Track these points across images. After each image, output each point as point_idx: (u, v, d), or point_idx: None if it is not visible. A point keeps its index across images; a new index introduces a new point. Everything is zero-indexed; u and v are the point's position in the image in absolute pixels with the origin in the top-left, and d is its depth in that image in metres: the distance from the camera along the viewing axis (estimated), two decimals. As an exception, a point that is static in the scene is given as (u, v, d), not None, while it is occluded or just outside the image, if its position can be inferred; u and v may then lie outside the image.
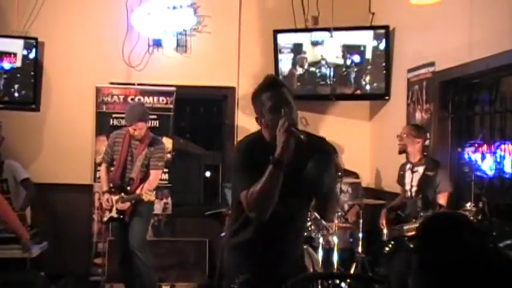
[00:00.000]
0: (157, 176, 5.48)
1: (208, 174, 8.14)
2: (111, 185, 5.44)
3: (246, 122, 6.89)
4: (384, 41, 6.21)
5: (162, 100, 6.56)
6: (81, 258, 6.42)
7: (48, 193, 6.56)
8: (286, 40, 6.58)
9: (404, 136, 5.11)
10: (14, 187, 6.17)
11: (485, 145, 4.43)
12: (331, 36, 6.34)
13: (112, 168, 5.51)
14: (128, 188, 5.37)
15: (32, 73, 6.56)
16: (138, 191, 5.29)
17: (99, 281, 6.19)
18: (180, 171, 7.14)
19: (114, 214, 5.36)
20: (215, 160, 7.57)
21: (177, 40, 6.74)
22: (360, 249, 5.44)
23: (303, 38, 6.55)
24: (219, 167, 7.60)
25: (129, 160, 5.41)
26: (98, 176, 6.43)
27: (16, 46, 6.50)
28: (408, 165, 5.06)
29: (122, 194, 5.35)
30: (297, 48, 6.55)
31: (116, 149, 5.45)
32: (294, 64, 6.58)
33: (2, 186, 6.15)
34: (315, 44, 6.49)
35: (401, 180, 5.15)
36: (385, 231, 5.05)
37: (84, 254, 6.43)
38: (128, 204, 5.31)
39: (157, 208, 6.26)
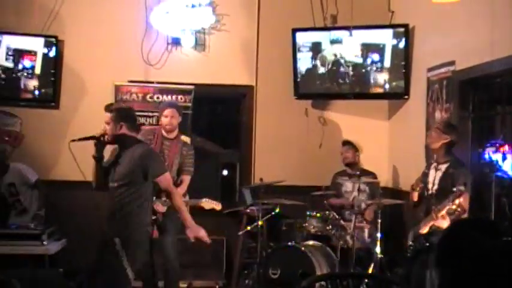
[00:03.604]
0: (188, 181, 5.47)
1: (225, 172, 8.15)
2: None
3: (264, 121, 6.90)
4: (403, 39, 6.16)
5: (181, 98, 6.57)
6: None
7: (67, 190, 6.59)
8: (305, 39, 6.56)
9: (434, 131, 4.97)
10: (25, 190, 6.21)
11: (506, 145, 4.37)
12: (351, 34, 6.30)
13: None
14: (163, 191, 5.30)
15: (52, 71, 6.60)
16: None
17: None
18: (197, 170, 7.14)
19: None
20: (233, 159, 7.57)
21: (196, 38, 6.74)
22: (378, 249, 5.40)
23: (322, 37, 6.52)
24: (237, 166, 7.60)
25: None
26: (116, 173, 6.46)
27: (37, 44, 6.55)
28: (433, 164, 4.96)
29: (164, 198, 5.26)
30: (316, 47, 6.53)
31: None
32: (313, 63, 6.55)
33: (10, 190, 6.18)
34: (333, 42, 6.46)
35: (423, 178, 5.05)
36: (409, 234, 4.95)
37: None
38: (166, 207, 5.28)
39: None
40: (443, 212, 4.45)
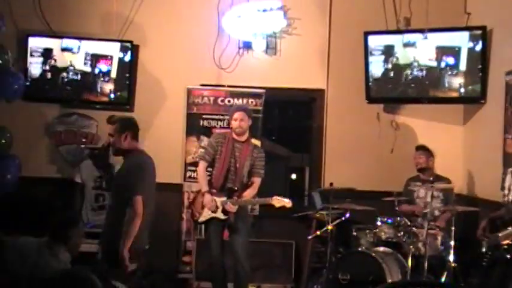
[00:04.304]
0: (259, 183, 5.48)
1: (294, 176, 8.15)
2: (213, 187, 5.44)
3: (334, 125, 6.84)
4: (480, 42, 5.98)
5: (252, 102, 6.61)
6: (170, 256, 6.57)
7: (140, 191, 6.74)
8: (377, 42, 6.47)
9: None
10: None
11: None
12: (425, 37, 6.17)
13: (209, 168, 5.58)
14: (235, 191, 5.36)
15: (127, 75, 6.79)
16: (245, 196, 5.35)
17: (188, 278, 6.32)
18: (266, 173, 7.17)
19: (220, 215, 5.37)
20: (302, 162, 7.55)
21: (267, 42, 6.77)
22: (451, 257, 5.25)
23: (395, 40, 6.41)
24: (305, 170, 7.58)
25: (232, 163, 5.42)
26: (188, 175, 6.58)
27: (113, 49, 6.76)
28: (510, 169, 4.78)
29: (235, 197, 5.33)
30: (388, 50, 6.42)
31: (219, 149, 5.48)
32: (385, 66, 6.45)
33: (102, 183, 6.42)
34: (407, 45, 6.33)
35: (502, 184, 4.88)
36: (484, 242, 4.80)
37: (173, 252, 6.58)
38: (236, 207, 5.33)
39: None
40: None
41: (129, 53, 6.76)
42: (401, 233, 5.61)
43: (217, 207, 5.35)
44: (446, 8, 6.49)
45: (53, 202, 6.39)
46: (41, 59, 6.73)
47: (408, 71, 6.36)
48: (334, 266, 5.55)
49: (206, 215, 5.40)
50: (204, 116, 6.67)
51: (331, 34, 6.83)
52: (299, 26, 6.80)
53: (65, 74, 6.74)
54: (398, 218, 5.66)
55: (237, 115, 5.47)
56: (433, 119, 6.75)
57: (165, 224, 6.67)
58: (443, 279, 5.27)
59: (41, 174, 6.76)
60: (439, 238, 5.63)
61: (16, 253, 3.69)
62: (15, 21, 6.77)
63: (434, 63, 6.22)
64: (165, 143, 6.81)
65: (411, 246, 5.42)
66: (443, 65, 6.17)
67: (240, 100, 6.62)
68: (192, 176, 6.51)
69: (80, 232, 4.03)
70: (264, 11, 6.50)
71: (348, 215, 5.76)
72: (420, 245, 5.47)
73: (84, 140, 6.89)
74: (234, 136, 5.49)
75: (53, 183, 6.80)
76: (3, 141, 6.09)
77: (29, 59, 6.71)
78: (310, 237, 6.01)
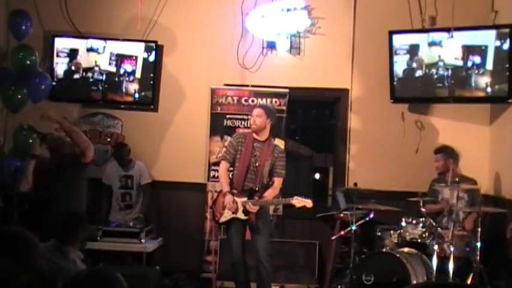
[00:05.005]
0: (281, 183, 5.47)
1: (317, 176, 8.12)
2: (234, 187, 5.45)
3: (358, 125, 6.80)
4: (508, 40, 5.88)
5: (275, 102, 6.61)
6: (193, 255, 6.60)
7: (163, 190, 6.80)
8: (402, 41, 6.41)
9: None
10: (136, 187, 6.52)
11: None
12: (451, 36, 6.10)
13: (231, 168, 5.59)
14: (256, 192, 5.35)
15: (151, 75, 6.83)
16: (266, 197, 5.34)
17: (211, 278, 6.33)
18: (289, 173, 7.17)
19: (241, 216, 5.36)
20: (325, 162, 7.52)
21: (291, 42, 6.76)
22: (477, 259, 5.19)
23: (420, 39, 6.35)
24: (329, 170, 7.55)
25: (252, 162, 5.41)
26: (211, 175, 6.60)
27: (137, 49, 6.80)
28: None
29: (256, 198, 5.32)
30: (414, 50, 6.36)
31: (240, 149, 5.47)
32: (410, 66, 6.40)
33: (127, 181, 6.48)
34: (432, 44, 6.27)
35: None
36: None
37: (196, 251, 6.60)
38: (257, 207, 5.33)
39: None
40: None
41: (153, 53, 6.79)
42: (427, 233, 5.56)
43: (237, 207, 5.35)
44: (472, 6, 6.41)
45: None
46: (66, 60, 6.81)
47: (433, 70, 6.30)
48: (358, 267, 5.52)
49: (227, 215, 5.40)
50: (227, 116, 6.68)
51: (356, 33, 6.78)
52: (323, 25, 6.77)
53: (90, 74, 6.80)
54: (424, 219, 5.60)
55: (254, 111, 5.50)
56: (459, 118, 6.67)
57: (188, 224, 6.72)
58: (469, 281, 5.20)
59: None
60: (465, 239, 5.57)
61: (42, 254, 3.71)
62: (42, 23, 6.85)
63: (460, 62, 6.14)
64: (189, 142, 6.84)
65: (436, 247, 5.37)
66: (469, 64, 6.09)
67: (264, 100, 6.62)
68: (216, 175, 6.51)
69: (86, 230, 4.04)
70: (288, 10, 6.48)
71: (372, 215, 5.72)
72: (445, 246, 5.42)
73: (108, 140, 6.95)
74: (255, 135, 5.48)
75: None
76: (31, 141, 6.18)
77: (55, 60, 6.79)
78: (333, 238, 5.98)
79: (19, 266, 2.48)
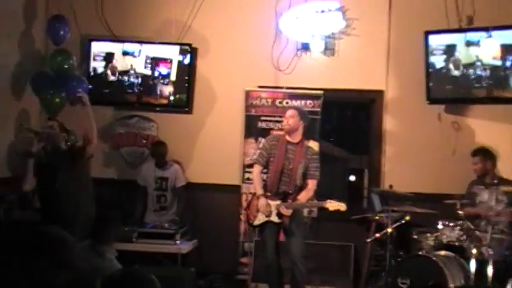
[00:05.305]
0: (315, 185, 5.44)
1: (352, 178, 8.05)
2: (268, 190, 5.45)
3: (394, 127, 6.73)
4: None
5: (310, 104, 6.58)
6: (228, 257, 6.61)
7: (198, 192, 6.83)
8: (438, 41, 6.32)
9: None
10: (171, 189, 6.55)
11: None
12: (489, 35, 5.98)
13: (265, 170, 5.59)
14: (290, 194, 5.34)
15: (186, 77, 6.88)
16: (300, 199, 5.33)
17: (245, 279, 6.34)
18: (324, 175, 7.13)
19: (275, 219, 5.35)
20: (360, 164, 7.46)
21: (325, 43, 6.72)
22: (517, 263, 5.08)
23: (457, 39, 6.25)
24: (364, 172, 7.48)
25: (285, 165, 5.41)
26: (246, 177, 6.61)
27: (172, 52, 6.86)
28: None
29: (289, 201, 5.32)
30: (450, 50, 6.26)
31: (273, 152, 5.48)
32: (446, 66, 6.30)
33: (162, 184, 6.54)
34: (469, 44, 6.16)
35: None
36: None
37: (231, 253, 6.61)
38: (291, 211, 5.31)
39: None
40: None
41: (188, 56, 6.84)
42: (464, 236, 5.46)
43: (271, 211, 5.34)
44: (511, 5, 6.28)
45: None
46: (103, 63, 6.91)
47: (471, 71, 6.19)
48: (393, 270, 5.46)
49: (261, 218, 5.40)
50: (262, 118, 6.69)
51: (391, 34, 6.71)
52: (358, 26, 6.72)
53: (126, 77, 6.89)
54: (461, 222, 5.51)
55: (287, 113, 5.51)
56: (497, 119, 6.52)
57: (223, 225, 6.73)
58: (508, 286, 5.09)
59: (101, 176, 6.79)
60: (505, 243, 5.45)
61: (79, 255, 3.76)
62: (79, 27, 6.96)
63: (498, 62, 6.02)
64: (223, 144, 6.86)
65: (474, 251, 5.27)
66: (508, 63, 5.97)
67: (298, 102, 6.60)
68: (250, 177, 6.52)
69: (118, 231, 4.08)
70: (322, 12, 6.45)
71: (408, 218, 5.65)
72: (484, 249, 5.30)
73: (144, 142, 7.02)
74: (287, 138, 5.47)
75: (114, 184, 6.97)
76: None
77: (92, 63, 6.90)
78: (369, 240, 5.92)
79: (58, 266, 2.52)
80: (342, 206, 5.20)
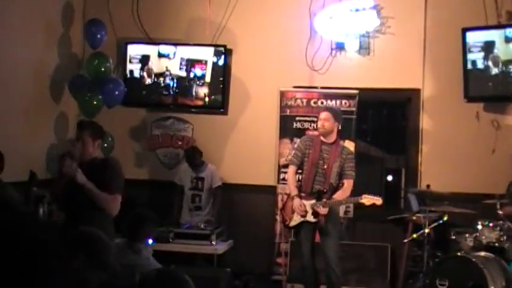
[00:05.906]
0: (351, 185, 5.41)
1: (390, 178, 7.98)
2: (302, 190, 5.44)
3: (431, 126, 6.63)
4: None
5: (345, 103, 6.54)
6: (264, 257, 6.61)
7: (234, 193, 6.85)
8: (476, 38, 6.21)
9: None
10: (207, 189, 6.56)
11: None
12: (531, 31, 5.86)
13: (299, 171, 5.57)
14: (324, 193, 5.32)
15: (221, 79, 6.91)
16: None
17: (281, 280, 6.33)
18: (360, 175, 7.08)
19: (310, 219, 5.34)
20: (397, 164, 7.39)
21: (360, 42, 6.67)
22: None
23: (495, 35, 6.13)
24: (401, 171, 7.41)
25: (320, 165, 5.40)
26: (281, 177, 6.60)
27: (207, 54, 6.90)
28: None
29: (325, 199, 5.29)
30: (488, 47, 6.15)
31: (307, 152, 5.47)
32: (485, 63, 6.18)
33: (197, 183, 6.57)
34: (509, 41, 6.03)
35: None
36: None
37: (267, 253, 6.62)
38: (327, 209, 5.30)
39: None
40: None
41: (222, 57, 6.87)
42: (504, 237, 5.35)
43: (306, 211, 5.32)
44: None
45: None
46: (139, 66, 6.99)
47: (511, 67, 6.06)
48: (431, 271, 5.38)
49: (296, 219, 5.40)
50: (297, 118, 6.67)
51: (427, 32, 6.61)
52: (393, 24, 6.65)
53: (161, 79, 6.96)
54: (501, 222, 5.40)
55: (321, 115, 5.48)
56: (539, 118, 6.39)
57: (258, 226, 6.74)
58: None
59: (136, 177, 6.84)
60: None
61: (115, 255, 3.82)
62: (115, 30, 7.06)
63: (538, 59, 5.89)
64: (259, 145, 6.87)
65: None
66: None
67: (333, 101, 6.56)
68: (286, 178, 6.51)
69: (154, 229, 4.11)
70: (357, 10, 6.40)
71: (446, 218, 5.56)
72: (525, 250, 5.19)
73: (180, 143, 7.08)
74: (322, 138, 5.45)
75: (148, 185, 7.05)
76: (105, 145, 6.37)
77: (128, 66, 6.99)
78: (406, 241, 5.85)
79: (95, 266, 2.57)
80: (377, 200, 5.15)
